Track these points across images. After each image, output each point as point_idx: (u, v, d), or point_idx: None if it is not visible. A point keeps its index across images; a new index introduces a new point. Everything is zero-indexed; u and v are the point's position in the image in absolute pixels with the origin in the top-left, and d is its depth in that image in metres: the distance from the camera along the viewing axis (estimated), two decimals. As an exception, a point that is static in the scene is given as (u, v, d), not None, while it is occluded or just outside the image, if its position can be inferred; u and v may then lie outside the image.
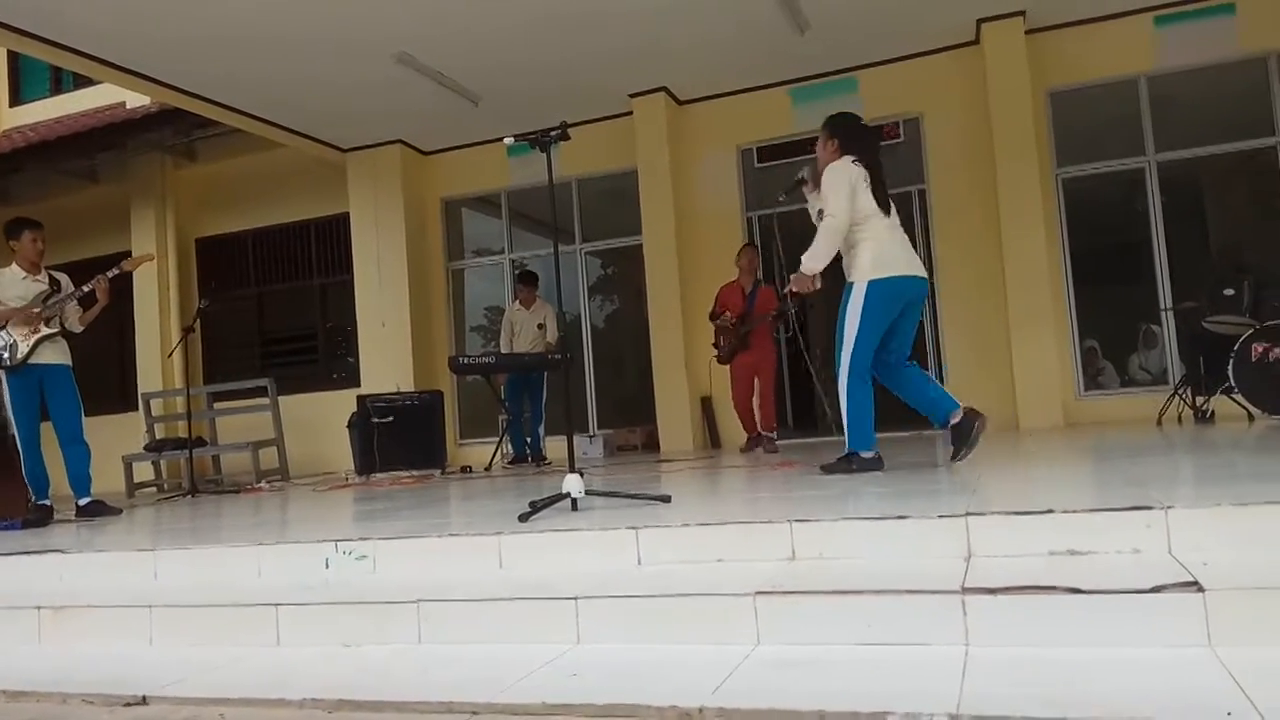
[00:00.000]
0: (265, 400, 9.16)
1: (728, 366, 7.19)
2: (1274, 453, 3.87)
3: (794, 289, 4.33)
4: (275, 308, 11.04)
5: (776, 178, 8.93)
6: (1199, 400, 6.45)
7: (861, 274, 4.08)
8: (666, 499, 3.52)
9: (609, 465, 7.11)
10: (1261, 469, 3.24)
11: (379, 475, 7.40)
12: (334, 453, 9.18)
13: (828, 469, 4.20)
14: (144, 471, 9.29)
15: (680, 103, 9.20)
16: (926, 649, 2.14)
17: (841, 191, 4.08)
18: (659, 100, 8.93)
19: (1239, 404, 6.03)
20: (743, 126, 9.05)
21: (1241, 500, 2.39)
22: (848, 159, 4.17)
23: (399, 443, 7.57)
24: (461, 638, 2.57)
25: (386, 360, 9.65)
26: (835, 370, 4.18)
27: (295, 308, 10.93)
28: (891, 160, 8.43)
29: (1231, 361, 5.85)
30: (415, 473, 7.41)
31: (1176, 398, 6.66)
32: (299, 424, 9.57)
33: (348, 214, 10.01)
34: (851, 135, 4.30)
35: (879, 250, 4.09)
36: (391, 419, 7.60)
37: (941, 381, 8.37)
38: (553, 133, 3.67)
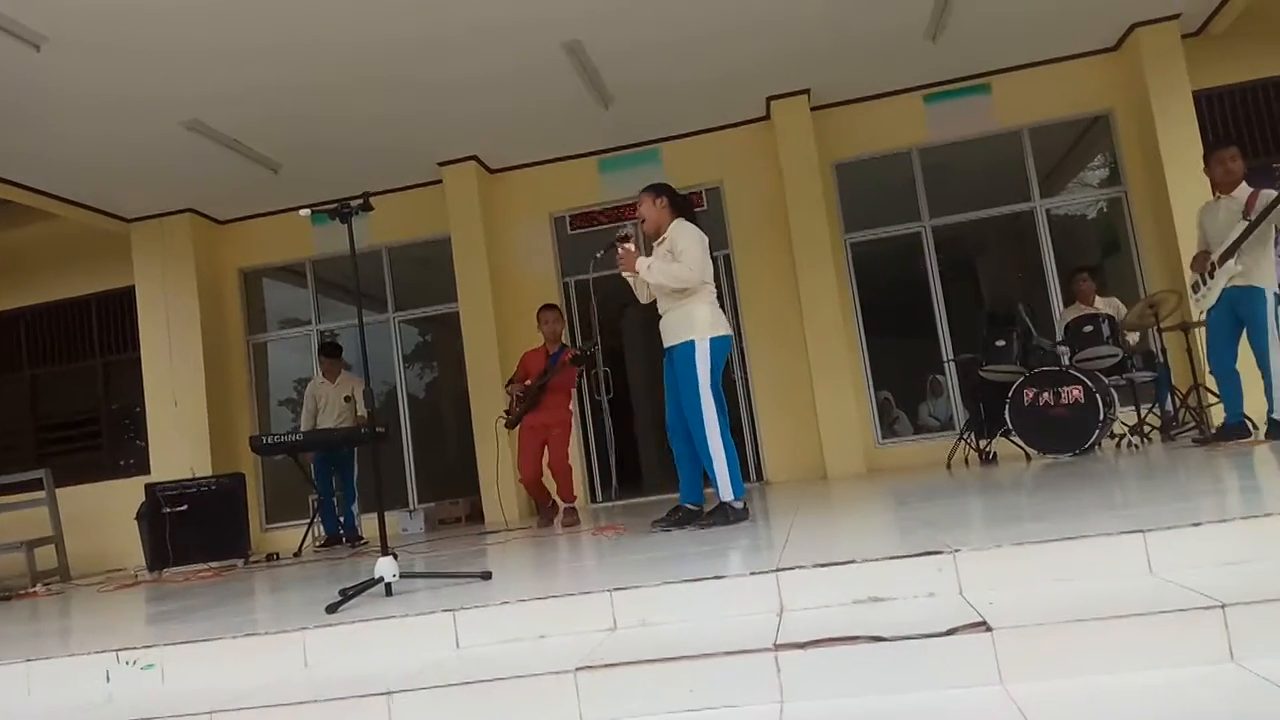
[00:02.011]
0: (40, 494, 8.26)
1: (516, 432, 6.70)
2: (1048, 491, 4.23)
3: (622, 257, 4.47)
4: (52, 391, 10.10)
5: (590, 244, 9.11)
6: (982, 444, 7.01)
7: (703, 331, 4.32)
8: (487, 576, 3.43)
9: (430, 541, 6.86)
10: (1039, 509, 3.53)
11: (173, 570, 6.79)
12: (122, 548, 8.40)
13: (703, 526, 4.32)
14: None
15: (491, 171, 9.25)
16: (745, 709, 2.16)
17: (700, 247, 4.36)
18: (469, 169, 8.94)
19: (1017, 445, 6.60)
20: (554, 195, 9.20)
21: (1020, 540, 2.59)
22: (685, 221, 4.46)
23: (195, 533, 6.99)
24: (263, 748, 2.37)
25: (180, 443, 8.99)
26: (699, 429, 4.31)
27: (75, 390, 10.03)
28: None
29: (1008, 407, 6.40)
30: (214, 565, 6.86)
31: (963, 442, 7.20)
32: (81, 518, 8.70)
33: (133, 287, 9.33)
34: (678, 201, 4.57)
35: (713, 311, 4.39)
36: (186, 507, 7.03)
37: (754, 436, 8.73)
38: (353, 203, 3.56)
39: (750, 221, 8.82)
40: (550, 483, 6.60)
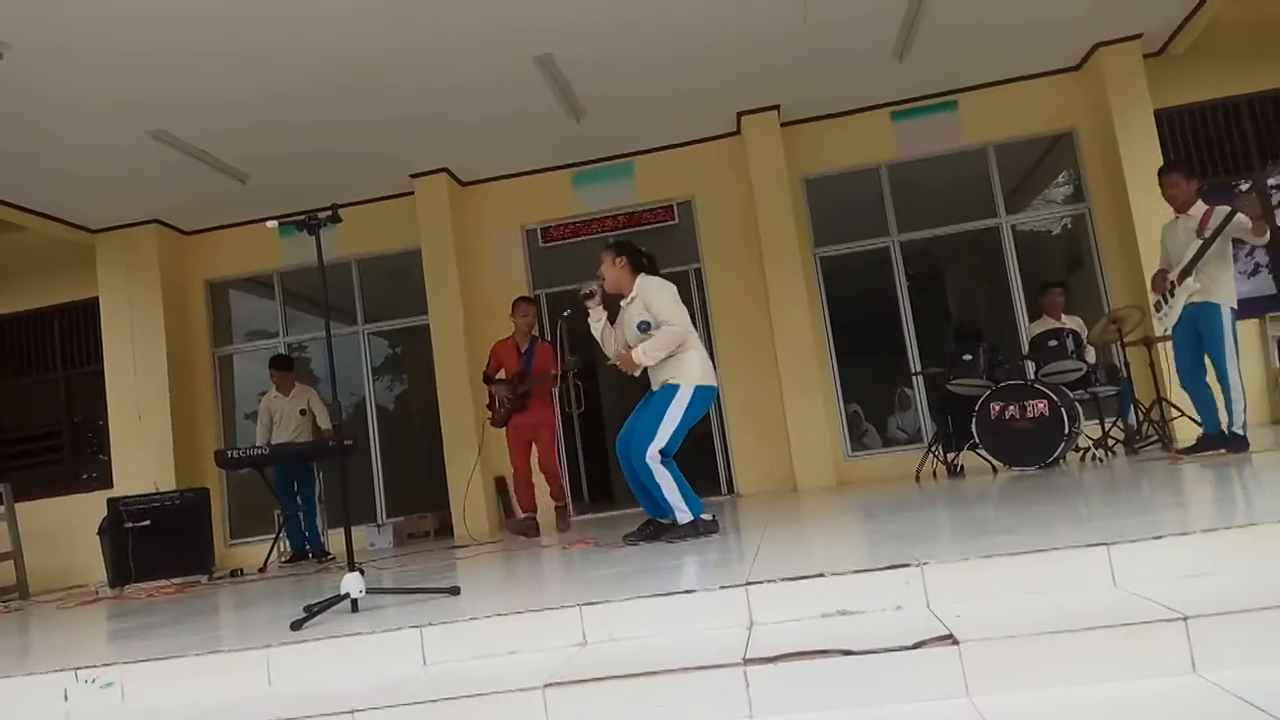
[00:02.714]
0: (-1, 508, 8.10)
1: (504, 431, 6.80)
2: (1014, 504, 4.27)
3: (620, 364, 4.53)
4: (11, 403, 9.90)
5: (561, 257, 9.13)
6: (950, 456, 7.07)
7: (690, 379, 4.37)
8: (456, 591, 3.40)
9: (399, 555, 6.79)
10: (1005, 521, 3.56)
11: (135, 586, 6.68)
12: (84, 563, 8.24)
13: (673, 539, 4.32)
14: None
15: (463, 183, 9.23)
16: (714, 725, 2.16)
17: (672, 297, 4.42)
18: (441, 181, 8.91)
19: (984, 458, 6.66)
20: (526, 207, 9.19)
21: (987, 553, 2.62)
22: (648, 275, 4.50)
23: (158, 548, 6.87)
24: (224, 768, 2.33)
25: (144, 457, 8.84)
26: (640, 460, 4.33)
27: (36, 402, 9.84)
28: (667, 241, 8.88)
29: (974, 420, 6.47)
30: (178, 580, 6.75)
31: (931, 455, 7.26)
32: (42, 533, 8.51)
33: (97, 299, 9.19)
34: (638, 258, 4.60)
35: (704, 360, 4.46)
36: (149, 522, 6.91)
37: (725, 449, 8.75)
38: (322, 215, 3.53)
39: (721, 235, 8.86)
40: (540, 484, 6.77)
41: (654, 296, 4.41)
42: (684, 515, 4.35)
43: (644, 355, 4.38)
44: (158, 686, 2.77)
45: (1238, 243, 5.45)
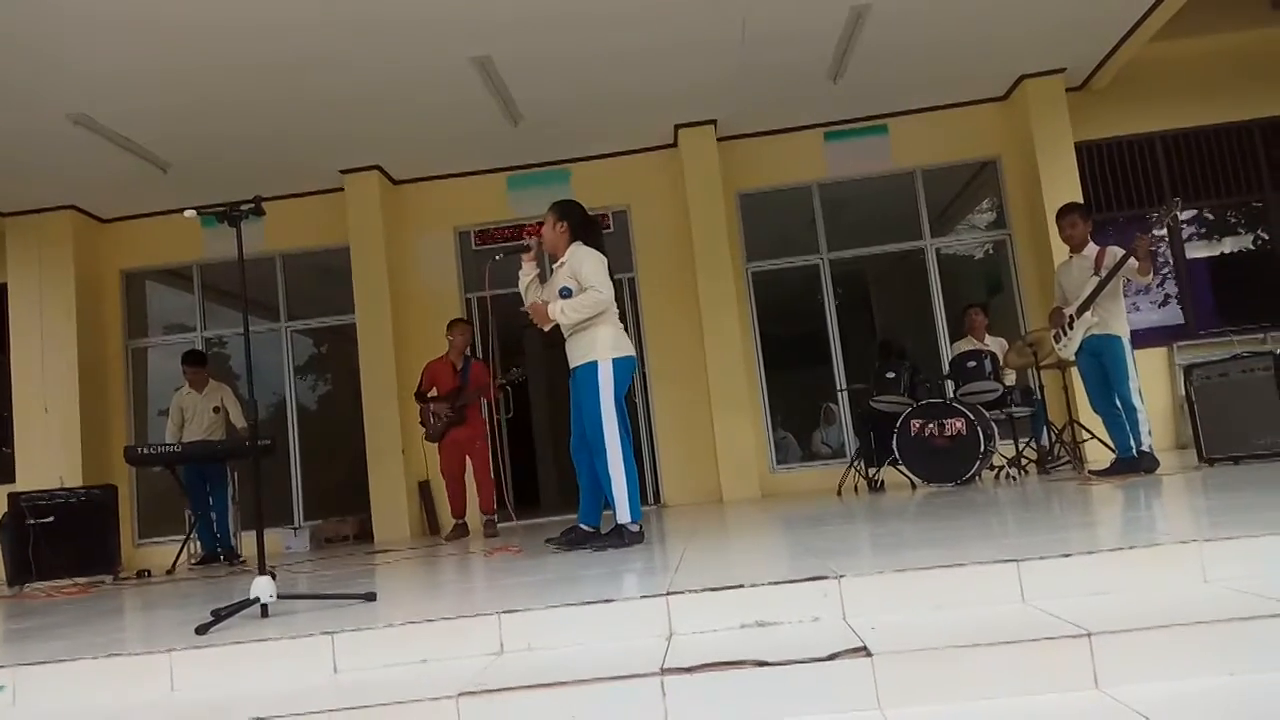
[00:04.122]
0: (-116, 503, 7.65)
1: (437, 445, 7.02)
2: (930, 519, 4.37)
3: (532, 313, 4.50)
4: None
5: (494, 260, 9.02)
6: (871, 472, 7.20)
7: (605, 352, 4.34)
8: (371, 597, 3.33)
9: (316, 560, 6.63)
10: (921, 536, 3.63)
11: (35, 585, 6.39)
12: (-22, 562, 7.83)
13: (599, 548, 4.30)
14: None
15: (395, 182, 9.09)
16: (630, 735, 2.15)
17: (602, 269, 4.36)
18: (372, 178, 8.77)
19: (903, 474, 6.80)
20: (460, 209, 9.10)
21: (901, 567, 2.66)
22: (583, 244, 4.44)
23: (61, 546, 6.59)
24: (118, 778, 2.23)
25: (49, 451, 8.48)
26: (601, 450, 4.31)
27: (-67, 391, 9.34)
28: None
29: (895, 436, 6.60)
30: (81, 580, 6.47)
31: (853, 470, 7.38)
32: (-70, 529, 8.06)
33: (4, 285, 8.80)
34: (582, 224, 4.56)
35: (617, 332, 4.42)
36: (52, 519, 6.62)
37: (653, 459, 8.77)
38: (243, 206, 3.43)
39: (655, 246, 8.90)
40: (471, 494, 6.99)
41: (581, 264, 4.37)
42: (621, 514, 4.32)
43: (561, 312, 4.34)
44: (53, 690, 2.64)
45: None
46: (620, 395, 4.36)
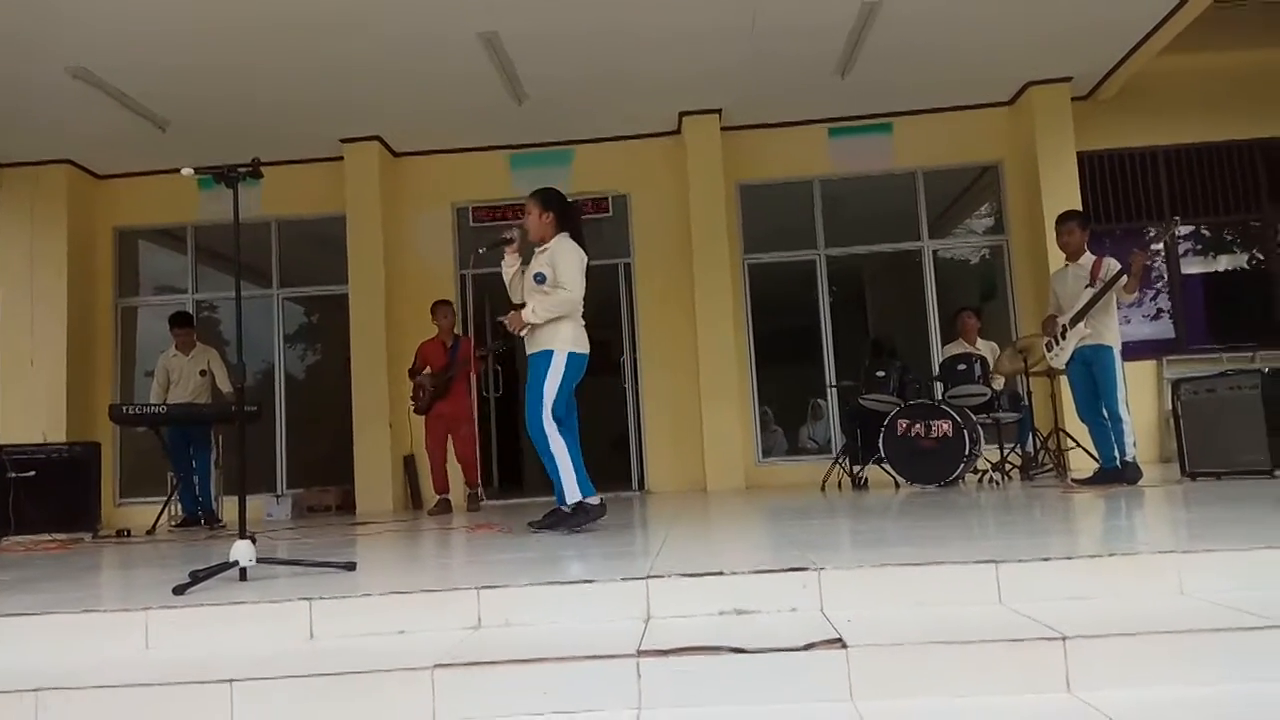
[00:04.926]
0: None
1: (424, 420, 7.12)
2: (912, 518, 4.39)
3: (507, 323, 4.54)
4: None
5: (490, 238, 8.98)
6: (856, 469, 7.22)
7: (564, 344, 4.40)
8: (351, 566, 3.33)
9: (297, 528, 6.62)
10: (902, 534, 3.65)
11: (13, 540, 6.36)
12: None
13: (572, 529, 4.33)
14: None
15: (395, 154, 9.04)
16: (603, 714, 2.15)
17: (578, 268, 4.43)
18: (373, 149, 8.72)
19: (888, 472, 6.83)
20: (460, 185, 9.06)
21: (881, 562, 2.68)
22: (568, 237, 4.47)
23: (42, 501, 6.57)
24: (89, 732, 2.23)
25: (33, 405, 8.44)
26: (537, 429, 4.35)
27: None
28: (599, 234, 8.86)
29: (882, 435, 6.62)
30: (60, 536, 6.45)
31: (838, 466, 7.40)
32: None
33: (-5, 237, 8.73)
34: (566, 213, 4.58)
35: (577, 329, 4.48)
36: (34, 473, 6.61)
37: (639, 445, 8.79)
38: (242, 168, 3.40)
39: (654, 233, 8.88)
40: (453, 470, 7.09)
41: (560, 258, 4.41)
42: (572, 494, 4.35)
43: (532, 314, 4.39)
44: (26, 643, 2.63)
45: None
46: (565, 389, 4.40)
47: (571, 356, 4.40)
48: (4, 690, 2.30)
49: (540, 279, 4.41)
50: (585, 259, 4.50)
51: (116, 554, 5.16)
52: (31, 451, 6.75)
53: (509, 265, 4.66)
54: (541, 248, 4.54)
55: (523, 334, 4.51)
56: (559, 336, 4.40)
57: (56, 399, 8.52)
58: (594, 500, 4.41)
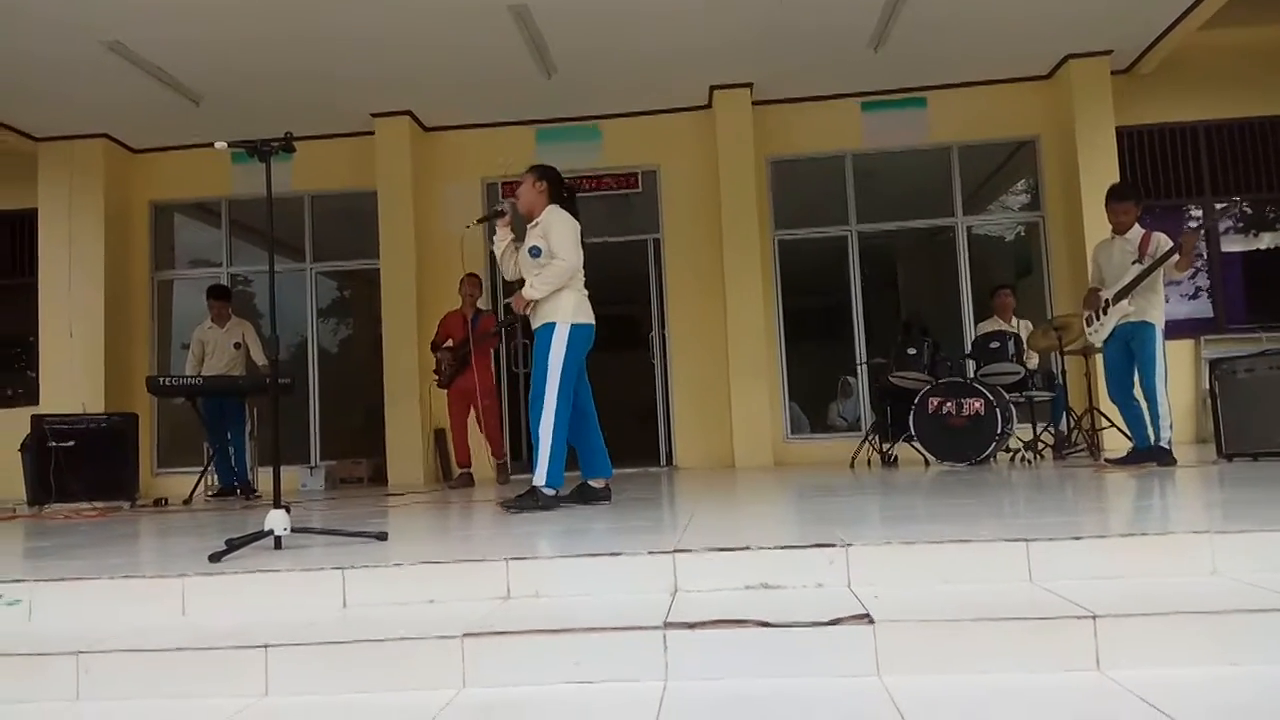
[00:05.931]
0: (-87, 417, 7.82)
1: (446, 393, 7.19)
2: (941, 496, 4.37)
3: (513, 305, 4.53)
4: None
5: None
6: (885, 446, 7.19)
7: (565, 317, 4.37)
8: (383, 536, 3.37)
9: (329, 499, 6.72)
10: (930, 511, 3.64)
11: (55, 507, 6.52)
12: (2, 480, 7.99)
13: (546, 507, 4.27)
14: None
15: (426, 129, 9.05)
16: (630, 685, 2.17)
17: (572, 237, 4.39)
18: (403, 123, 8.74)
19: (918, 450, 6.79)
20: (488, 159, 9.05)
21: (909, 539, 2.67)
22: (559, 208, 4.44)
23: (82, 470, 6.69)
24: (128, 693, 2.28)
25: (74, 376, 8.61)
26: (538, 406, 4.32)
27: (-39, 312, 9.49)
28: (629, 209, 8.84)
29: (912, 413, 6.58)
30: (100, 505, 6.59)
31: (867, 443, 7.37)
32: (-41, 447, 8.23)
33: (35, 210, 8.86)
34: (559, 184, 4.56)
35: (579, 299, 4.44)
36: (73, 443, 6.73)
37: (668, 420, 8.80)
38: (274, 143, 3.43)
39: (683, 208, 8.84)
40: (476, 443, 7.08)
41: (555, 228, 4.38)
42: (539, 475, 4.29)
43: (532, 290, 4.38)
44: (67, 607, 2.70)
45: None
46: (574, 362, 4.35)
47: (575, 329, 4.35)
48: (47, 652, 2.37)
49: (535, 253, 4.40)
50: (579, 227, 4.44)
51: (154, 522, 5.26)
52: (72, 422, 6.87)
53: (500, 240, 4.64)
54: (533, 223, 4.52)
55: (527, 312, 4.49)
56: (560, 309, 4.37)
57: (95, 370, 8.68)
58: (550, 492, 4.31)
